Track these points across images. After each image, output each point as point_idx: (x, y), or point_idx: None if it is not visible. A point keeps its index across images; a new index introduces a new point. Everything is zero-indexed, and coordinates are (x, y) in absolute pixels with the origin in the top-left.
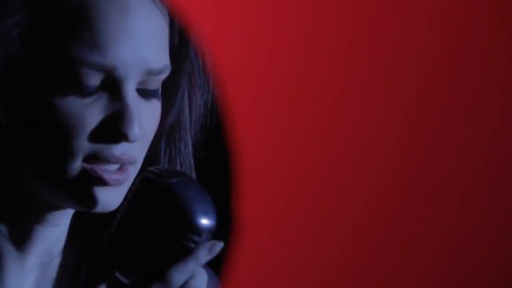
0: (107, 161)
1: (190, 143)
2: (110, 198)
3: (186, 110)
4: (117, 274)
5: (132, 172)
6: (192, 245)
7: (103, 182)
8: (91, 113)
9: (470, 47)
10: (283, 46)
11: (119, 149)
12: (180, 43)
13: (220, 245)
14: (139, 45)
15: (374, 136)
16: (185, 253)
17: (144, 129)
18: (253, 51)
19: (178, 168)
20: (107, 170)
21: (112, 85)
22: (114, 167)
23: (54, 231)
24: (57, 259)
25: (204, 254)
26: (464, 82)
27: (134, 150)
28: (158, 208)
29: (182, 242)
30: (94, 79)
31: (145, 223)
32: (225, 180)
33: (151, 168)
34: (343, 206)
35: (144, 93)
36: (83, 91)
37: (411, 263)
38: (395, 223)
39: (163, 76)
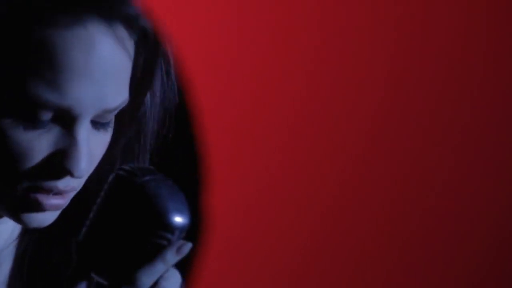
0: (49, 191)
1: (147, 155)
2: (46, 217)
3: (148, 127)
4: (93, 275)
5: (72, 194)
6: (165, 243)
7: (42, 209)
8: (39, 145)
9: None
10: (246, 64)
11: (63, 183)
12: (143, 75)
13: (188, 245)
14: (99, 85)
15: (340, 131)
16: (158, 251)
17: (92, 160)
18: (220, 58)
19: None
20: (47, 197)
21: (65, 121)
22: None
23: (2, 228)
24: (8, 254)
25: (172, 255)
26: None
27: (78, 181)
28: (130, 206)
29: (155, 240)
30: (47, 116)
31: (118, 222)
32: (193, 179)
33: (123, 166)
34: (311, 203)
35: (96, 124)
36: (34, 125)
37: (377, 258)
38: (361, 219)
39: (118, 110)
